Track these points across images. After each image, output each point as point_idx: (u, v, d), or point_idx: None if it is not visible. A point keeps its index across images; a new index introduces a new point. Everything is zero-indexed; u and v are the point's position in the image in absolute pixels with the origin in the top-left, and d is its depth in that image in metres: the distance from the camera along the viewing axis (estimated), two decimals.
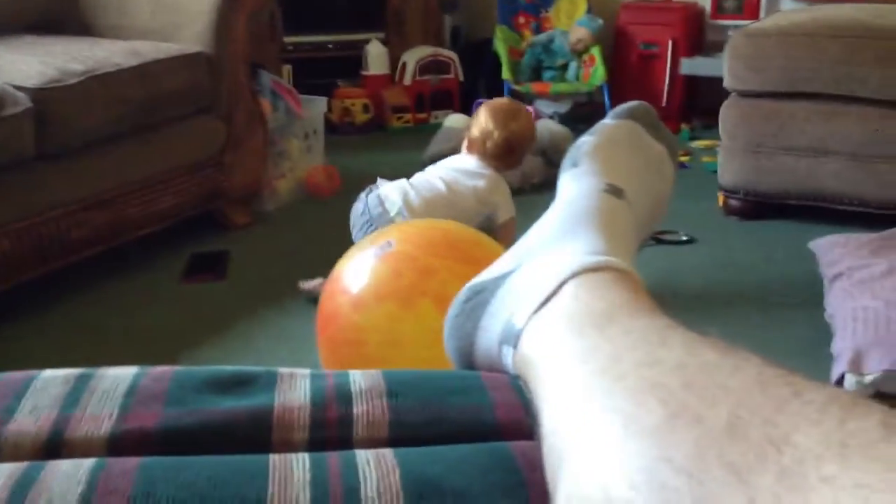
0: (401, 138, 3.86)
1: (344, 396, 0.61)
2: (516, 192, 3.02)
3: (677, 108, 3.98)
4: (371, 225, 2.12)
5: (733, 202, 2.80)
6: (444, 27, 4.37)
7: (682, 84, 3.97)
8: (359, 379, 0.64)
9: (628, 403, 0.48)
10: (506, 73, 3.87)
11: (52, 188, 2.14)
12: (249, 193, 2.80)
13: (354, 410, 0.60)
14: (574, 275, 0.65)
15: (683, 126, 3.91)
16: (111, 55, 2.32)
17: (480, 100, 3.73)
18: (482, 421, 0.60)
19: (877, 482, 0.37)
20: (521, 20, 4.13)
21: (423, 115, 4.05)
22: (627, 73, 4.03)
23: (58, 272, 2.21)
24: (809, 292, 2.18)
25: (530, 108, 3.52)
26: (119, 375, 0.63)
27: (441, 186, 2.19)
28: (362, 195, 2.22)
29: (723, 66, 2.70)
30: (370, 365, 1.50)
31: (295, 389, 0.61)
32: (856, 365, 1.67)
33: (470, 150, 2.32)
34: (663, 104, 3.97)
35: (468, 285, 0.76)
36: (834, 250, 2.18)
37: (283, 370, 0.65)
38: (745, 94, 2.68)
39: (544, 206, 2.67)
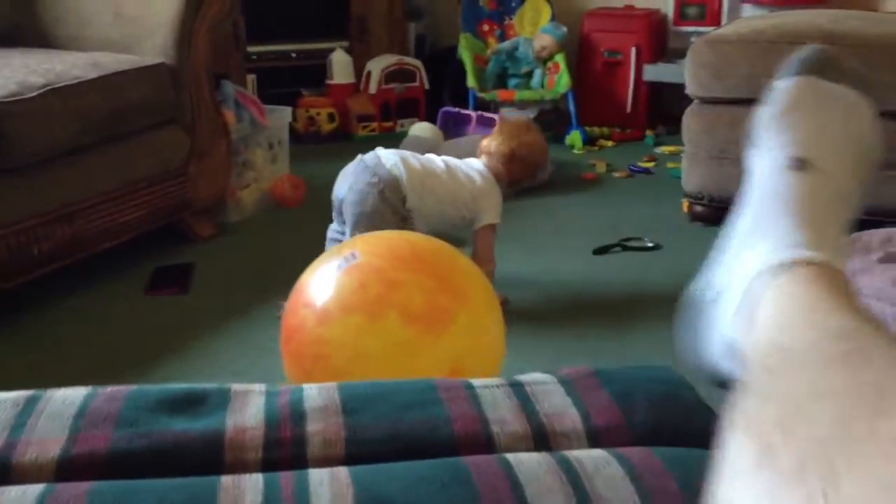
0: (367, 147, 3.79)
1: (298, 414, 0.60)
2: None
3: (642, 114, 4.01)
4: (364, 172, 2.15)
5: (698, 208, 2.81)
6: (409, 35, 4.37)
7: (646, 90, 4.00)
8: (314, 395, 0.63)
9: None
10: (471, 81, 3.87)
11: (12, 202, 2.10)
12: (214, 205, 2.78)
13: (309, 429, 0.59)
14: (764, 281, 0.61)
15: (648, 132, 3.94)
16: (71, 68, 2.29)
17: (446, 108, 3.75)
18: (439, 436, 0.60)
19: None
20: (486, 28, 4.14)
21: (388, 124, 4.04)
22: (592, 80, 4.05)
23: (20, 287, 2.18)
24: None
25: (495, 117, 3.53)
26: (69, 396, 0.62)
27: (440, 164, 2.23)
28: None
29: (685, 73, 2.71)
30: (335, 379, 1.49)
31: (249, 407, 0.60)
32: None
33: (479, 154, 2.35)
34: (628, 111, 4.00)
35: (687, 293, 0.75)
36: None
37: (238, 387, 0.64)
38: (707, 101, 2.69)
39: (512, 213, 2.69)
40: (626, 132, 3.95)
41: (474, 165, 2.30)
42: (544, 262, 2.56)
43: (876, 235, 2.19)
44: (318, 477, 0.53)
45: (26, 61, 2.32)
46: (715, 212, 2.78)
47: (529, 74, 4.01)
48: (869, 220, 2.54)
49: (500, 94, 3.86)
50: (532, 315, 2.19)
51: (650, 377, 0.75)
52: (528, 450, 0.61)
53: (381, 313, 1.45)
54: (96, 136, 2.31)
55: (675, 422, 0.69)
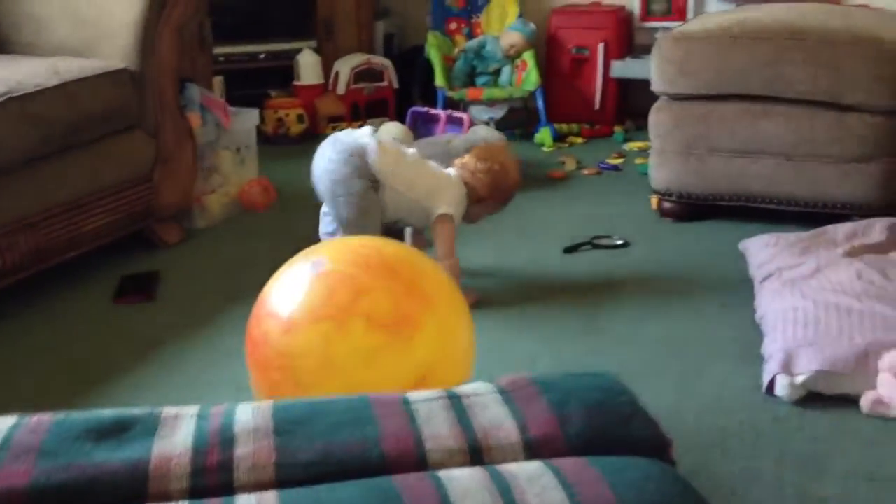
0: None
1: (227, 439, 0.59)
2: None
3: (610, 110, 4.02)
4: (335, 144, 2.20)
5: (667, 204, 2.82)
6: (377, 34, 4.35)
7: (614, 87, 4.00)
8: (247, 417, 0.62)
9: None
10: (439, 80, 3.86)
11: None
12: (180, 210, 2.75)
13: (238, 452, 0.58)
14: None
15: (617, 128, 3.94)
16: (31, 75, 2.25)
17: (415, 107, 3.73)
18: (369, 456, 0.59)
19: None
20: (453, 26, 4.13)
21: (358, 124, 4.01)
22: (560, 76, 4.05)
23: None
24: (741, 293, 2.21)
25: (463, 116, 3.53)
26: None
27: (413, 150, 2.31)
28: None
29: (651, 70, 2.72)
30: (302, 389, 1.47)
31: (177, 433, 0.59)
32: (787, 366, 1.70)
33: (455, 166, 2.37)
34: (596, 107, 4.00)
35: None
36: (764, 251, 2.21)
37: (169, 411, 0.63)
38: (673, 97, 2.70)
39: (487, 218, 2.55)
40: (595, 129, 3.95)
41: (448, 170, 2.32)
42: (514, 261, 2.55)
43: (841, 230, 2.21)
44: (246, 503, 0.52)
45: None
46: (684, 208, 2.80)
47: (498, 72, 4.01)
48: (834, 213, 2.57)
49: (468, 93, 3.85)
50: (503, 315, 2.18)
51: (588, 385, 0.75)
52: (462, 465, 0.61)
53: (347, 321, 1.44)
54: (58, 144, 2.28)
55: (612, 429, 0.69)
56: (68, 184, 2.34)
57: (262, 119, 3.74)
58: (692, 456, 1.58)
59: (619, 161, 3.52)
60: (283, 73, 4.03)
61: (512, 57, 3.96)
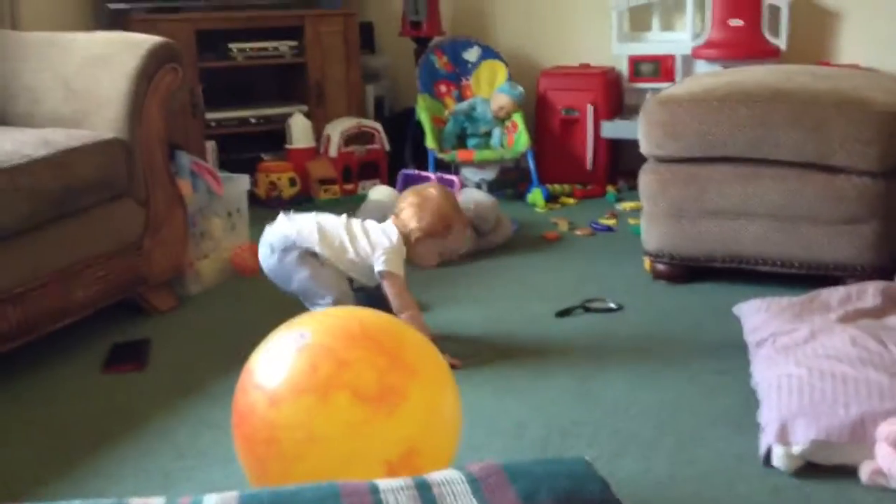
0: (328, 210, 3.81)
1: None
2: (445, 262, 3.03)
3: (602, 170, 4.03)
4: (273, 253, 2.38)
5: (660, 266, 2.81)
6: (368, 98, 4.39)
7: (606, 147, 4.02)
8: None
9: None
10: (430, 142, 3.88)
11: None
12: (171, 277, 2.74)
13: None
14: None
15: (609, 189, 3.96)
16: (21, 146, 2.26)
17: (406, 170, 3.75)
18: None
19: None
20: (443, 88, 4.16)
21: (350, 187, 4.04)
22: (551, 137, 4.07)
23: None
24: (736, 358, 2.19)
25: (454, 178, 3.54)
26: None
27: (343, 217, 2.45)
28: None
29: (638, 133, 2.73)
30: (287, 462, 1.45)
31: None
32: (783, 436, 1.67)
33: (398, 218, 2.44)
34: (588, 167, 4.02)
35: None
36: (757, 315, 2.20)
37: (135, 502, 0.61)
38: (661, 160, 2.71)
39: (473, 276, 2.69)
40: (587, 189, 3.97)
41: (387, 230, 2.40)
42: (505, 325, 2.54)
43: (835, 294, 2.20)
44: None
45: None
46: (677, 269, 2.79)
47: (488, 134, 4.03)
48: (827, 275, 2.56)
49: (459, 155, 3.87)
50: (491, 382, 2.16)
51: (559, 472, 0.74)
52: None
53: (331, 394, 1.42)
54: (48, 213, 2.27)
55: None
56: (58, 253, 2.33)
57: (255, 182, 3.75)
58: None
59: (612, 222, 3.52)
60: (274, 136, 4.06)
61: (502, 119, 3.99)
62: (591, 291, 2.73)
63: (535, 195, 3.80)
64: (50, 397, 2.18)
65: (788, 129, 2.51)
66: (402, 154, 4.18)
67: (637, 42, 4.07)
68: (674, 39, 4.01)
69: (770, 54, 3.72)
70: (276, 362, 1.49)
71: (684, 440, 1.86)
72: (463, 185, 3.59)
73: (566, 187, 3.95)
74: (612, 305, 2.63)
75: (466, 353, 2.30)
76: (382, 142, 4.11)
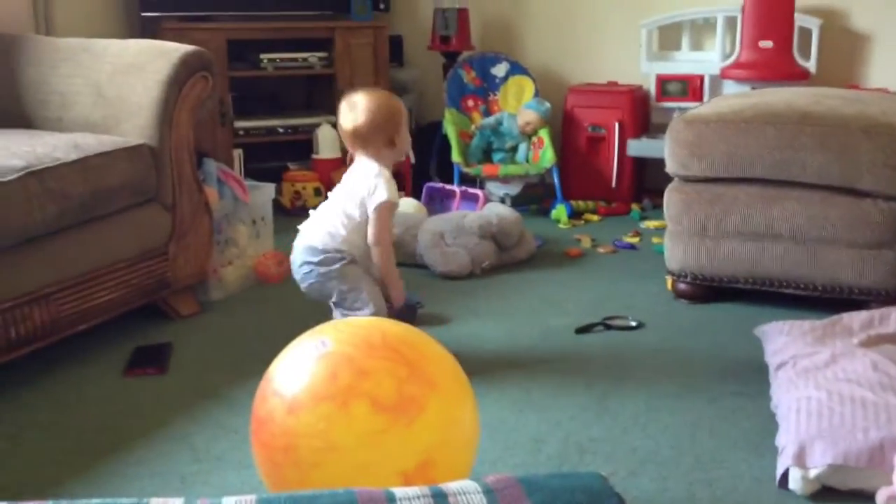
0: None
1: None
2: (467, 276, 3.04)
3: (627, 188, 4.03)
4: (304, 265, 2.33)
5: (681, 286, 2.80)
6: None
7: (630, 165, 4.02)
8: None
9: None
10: (456, 156, 3.90)
11: None
12: (195, 283, 2.76)
13: None
14: None
15: (634, 207, 3.95)
16: (52, 150, 2.29)
17: (430, 183, 3.76)
18: None
19: None
20: (470, 103, 4.18)
21: None
22: (576, 154, 4.08)
23: None
24: (757, 380, 2.18)
25: (479, 192, 3.54)
26: None
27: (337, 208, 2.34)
28: None
29: (664, 152, 2.73)
30: (304, 469, 1.46)
31: None
32: (800, 459, 1.66)
33: (350, 148, 2.38)
34: (613, 185, 4.02)
35: None
36: (778, 338, 2.19)
37: (155, 502, 0.62)
38: (686, 179, 2.70)
39: (494, 290, 2.70)
40: (611, 206, 3.97)
41: (358, 178, 2.32)
42: (525, 340, 2.54)
43: (857, 318, 2.19)
44: None
45: (7, 143, 2.32)
46: (699, 289, 2.78)
47: (514, 149, 4.04)
48: (851, 299, 2.54)
49: (485, 169, 3.88)
50: (510, 396, 2.16)
51: (574, 486, 0.74)
52: None
53: (350, 402, 1.43)
54: (75, 217, 2.30)
55: None
56: (84, 256, 2.35)
57: (280, 191, 3.78)
58: None
59: (635, 240, 3.52)
60: (301, 146, 4.09)
61: (528, 134, 4.00)
62: (613, 309, 2.73)
63: (559, 211, 3.80)
64: (71, 398, 2.20)
65: (816, 151, 2.50)
66: (427, 167, 4.19)
67: (665, 61, 4.07)
68: (702, 59, 4.01)
69: (799, 77, 3.71)
70: (296, 369, 1.50)
71: (702, 461, 1.85)
72: (487, 200, 3.60)
73: (590, 204, 3.95)
74: (633, 323, 2.62)
75: (485, 366, 2.30)
76: (408, 154, 4.12)
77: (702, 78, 3.93)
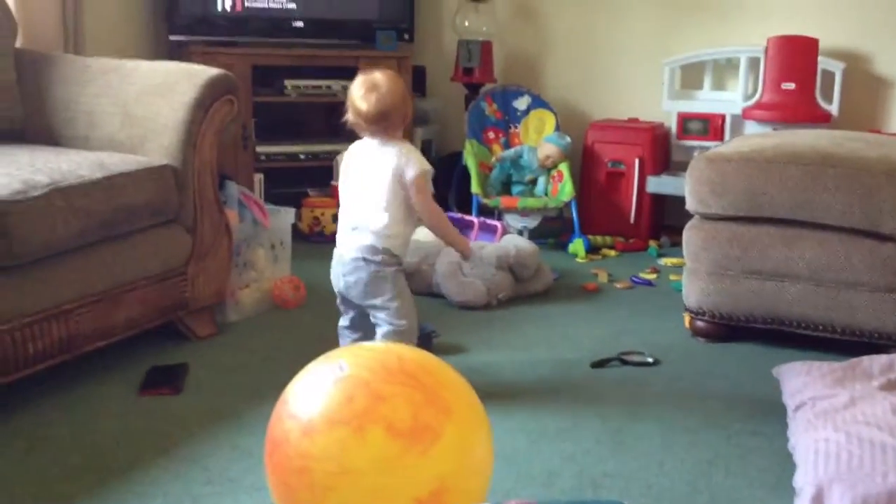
0: None
1: None
2: (483, 306, 3.04)
3: (645, 225, 4.03)
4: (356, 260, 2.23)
5: (699, 323, 2.79)
6: (416, 140, 4.43)
7: (650, 201, 4.02)
8: None
9: None
10: (475, 187, 3.91)
11: (8, 300, 2.09)
12: (213, 304, 2.77)
13: None
14: None
15: (651, 243, 3.95)
16: (77, 167, 2.31)
17: (450, 213, 3.77)
18: None
19: None
20: (491, 135, 4.20)
21: None
22: (596, 189, 4.08)
23: (12, 384, 2.15)
24: (774, 420, 2.17)
25: (497, 224, 3.55)
26: None
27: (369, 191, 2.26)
28: None
29: (685, 189, 2.73)
30: (317, 493, 1.46)
31: None
32: (818, 501, 1.64)
33: (358, 129, 2.31)
34: (631, 221, 4.02)
35: None
36: (797, 378, 2.17)
37: None
38: (706, 217, 2.70)
39: (510, 321, 2.70)
40: (629, 242, 3.96)
41: (374, 151, 2.27)
42: (540, 373, 2.53)
43: (877, 361, 2.17)
44: None
45: (33, 159, 2.34)
46: (716, 328, 2.77)
47: (533, 182, 4.05)
48: (871, 343, 2.53)
49: (503, 201, 3.89)
50: (524, 428, 2.15)
51: None
52: None
53: (366, 427, 1.43)
54: (97, 234, 2.32)
55: None
56: (104, 274, 2.36)
57: (299, 217, 3.80)
58: None
59: (652, 276, 3.51)
60: (321, 172, 4.10)
61: (548, 168, 4.01)
62: (628, 344, 2.72)
63: (577, 245, 3.80)
64: (87, 415, 2.20)
65: (837, 193, 2.50)
66: (446, 197, 4.20)
67: (687, 100, 4.08)
68: (724, 99, 4.02)
69: (821, 119, 3.71)
70: (313, 392, 1.50)
71: (718, 499, 1.83)
72: (505, 231, 3.60)
73: (608, 239, 3.95)
74: (649, 359, 2.61)
75: (500, 396, 2.29)
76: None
77: (723, 117, 3.94)
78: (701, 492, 1.86)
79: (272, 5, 4.05)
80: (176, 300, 2.61)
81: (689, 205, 2.73)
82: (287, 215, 3.18)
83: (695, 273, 2.75)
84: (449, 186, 4.22)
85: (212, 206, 2.68)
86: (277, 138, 4.10)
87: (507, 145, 4.18)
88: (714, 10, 4.09)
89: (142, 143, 2.60)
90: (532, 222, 3.91)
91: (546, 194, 4.00)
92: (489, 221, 3.63)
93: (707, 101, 4.06)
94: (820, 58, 3.75)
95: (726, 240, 2.66)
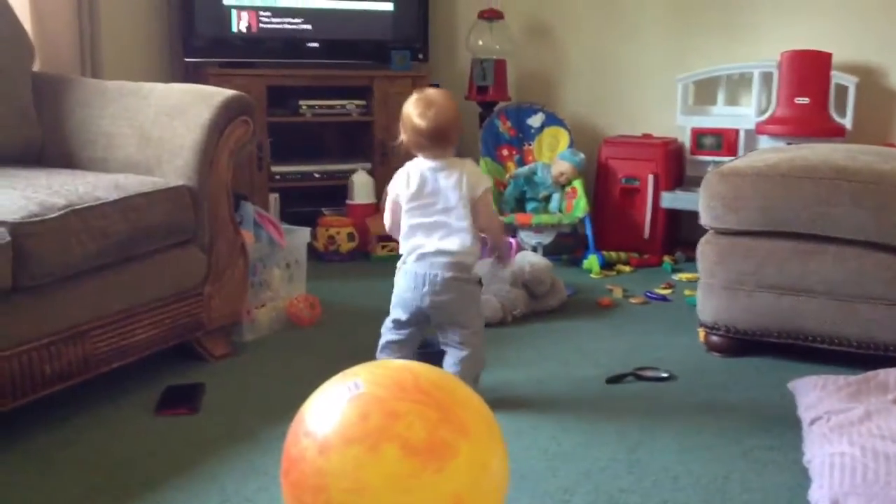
0: (384, 267, 3.84)
1: None
2: (498, 323, 3.04)
3: (660, 240, 4.03)
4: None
5: (714, 338, 2.79)
6: None
7: (664, 217, 4.02)
8: None
9: None
10: None
11: (26, 321, 2.12)
12: (228, 324, 2.79)
13: None
14: None
15: (666, 259, 3.94)
16: (93, 189, 2.34)
17: None
18: None
19: None
20: (505, 152, 4.21)
21: None
22: (610, 205, 4.09)
23: (27, 405, 2.17)
24: (789, 434, 2.16)
25: (511, 241, 3.56)
26: None
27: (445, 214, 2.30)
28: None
29: (699, 204, 2.73)
30: None
31: None
32: None
33: (416, 149, 2.34)
34: (646, 237, 4.02)
35: None
36: (812, 392, 2.17)
37: None
38: (721, 232, 2.70)
39: (525, 338, 2.70)
40: (643, 258, 3.96)
41: (436, 168, 2.31)
42: (555, 389, 2.53)
43: (892, 375, 2.17)
44: None
45: (50, 182, 2.37)
46: (732, 342, 2.76)
47: (547, 199, 4.06)
48: (886, 356, 2.52)
49: (518, 218, 3.90)
50: (541, 444, 2.15)
51: None
52: None
53: (381, 445, 1.43)
54: (114, 255, 2.33)
55: None
56: (121, 294, 2.39)
57: (314, 236, 3.82)
58: None
59: (667, 292, 3.51)
60: (336, 192, 4.13)
61: (562, 184, 4.02)
62: (643, 360, 2.72)
63: (591, 261, 3.80)
64: (102, 435, 2.22)
65: (852, 207, 2.49)
66: None
67: (701, 115, 4.09)
68: (738, 114, 4.02)
69: (835, 133, 3.71)
70: (328, 410, 1.51)
71: None
72: (520, 248, 3.61)
73: (622, 255, 3.95)
74: (664, 375, 2.60)
75: (515, 413, 2.30)
76: None
77: (737, 132, 3.94)
78: None
79: (287, 26, 4.09)
80: (192, 320, 2.62)
81: (704, 220, 2.73)
82: (302, 234, 3.20)
83: (709, 288, 2.74)
84: None
85: (227, 226, 2.70)
86: (292, 158, 4.13)
87: (521, 162, 4.20)
88: (727, 26, 4.09)
89: (158, 165, 2.62)
90: (546, 239, 3.92)
91: (560, 211, 4.01)
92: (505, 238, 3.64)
93: (721, 116, 4.06)
94: (833, 72, 3.76)
95: (741, 255, 2.66)
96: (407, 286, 2.30)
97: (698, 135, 4.03)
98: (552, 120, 4.24)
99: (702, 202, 2.71)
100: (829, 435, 1.91)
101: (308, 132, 4.30)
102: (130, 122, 2.70)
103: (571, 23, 4.45)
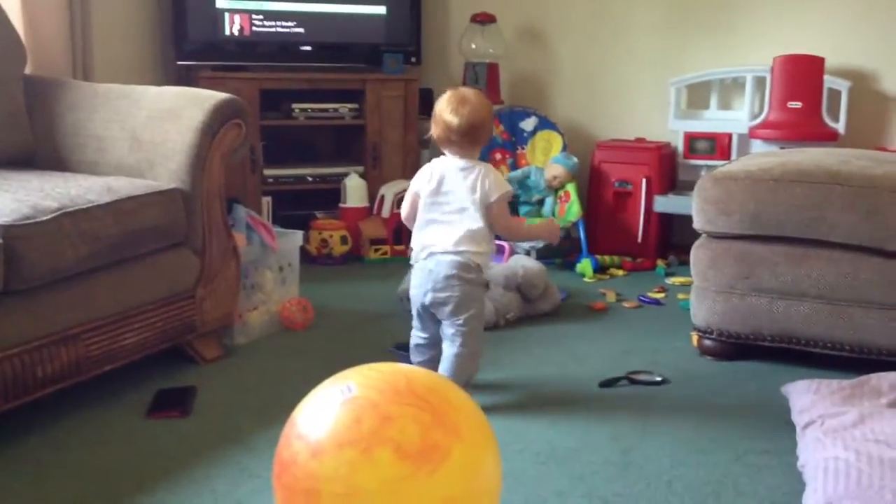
0: (377, 270, 3.87)
1: None
2: (491, 327, 3.04)
3: (653, 244, 4.03)
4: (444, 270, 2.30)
5: (707, 342, 2.79)
6: (423, 161, 4.43)
7: (657, 221, 4.03)
8: None
9: None
10: None
11: (17, 324, 2.11)
12: (220, 327, 2.78)
13: None
14: None
15: (659, 263, 3.95)
16: (85, 192, 2.33)
17: None
18: None
19: None
20: (498, 156, 4.21)
21: (401, 248, 4.07)
22: (603, 209, 4.09)
23: (19, 408, 2.16)
24: (783, 438, 2.16)
25: (504, 244, 3.55)
26: None
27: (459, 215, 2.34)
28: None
29: (692, 208, 2.73)
30: None
31: None
32: None
33: (444, 145, 2.37)
34: (639, 240, 4.02)
35: None
36: (805, 396, 2.17)
37: None
38: (714, 236, 2.70)
39: (518, 342, 2.70)
40: (636, 262, 3.96)
41: (460, 167, 2.34)
42: (548, 393, 2.52)
43: (885, 379, 2.17)
44: None
45: (42, 184, 2.36)
46: (724, 346, 2.76)
47: (541, 202, 4.06)
48: (880, 360, 2.52)
49: None
50: (534, 448, 2.15)
51: None
52: None
53: (374, 448, 1.43)
54: (106, 258, 2.33)
55: None
56: (113, 298, 2.38)
57: (307, 239, 3.81)
58: None
59: (660, 295, 3.51)
60: (329, 195, 4.12)
61: (555, 188, 4.02)
62: (637, 364, 2.72)
63: (584, 265, 3.80)
64: (93, 439, 2.21)
65: (844, 211, 2.50)
66: None
67: (694, 119, 4.10)
68: (731, 118, 4.03)
69: (828, 137, 3.72)
70: (321, 414, 1.50)
71: None
72: (513, 252, 3.60)
73: (615, 259, 3.95)
74: (658, 378, 2.60)
75: (508, 417, 2.29)
76: None
77: (730, 136, 3.95)
78: None
79: (279, 30, 4.08)
80: (184, 323, 2.61)
81: (697, 224, 2.73)
82: (295, 238, 3.19)
83: (702, 292, 2.75)
84: None
85: (220, 229, 2.69)
86: (285, 161, 4.13)
87: (514, 166, 4.20)
88: (720, 30, 4.10)
89: (150, 168, 2.61)
90: (539, 242, 3.92)
91: (553, 214, 4.01)
92: (497, 242, 3.63)
93: (713, 120, 4.07)
94: (826, 76, 3.77)
95: (734, 259, 2.66)
96: (415, 283, 2.37)
97: (691, 139, 4.03)
98: (545, 124, 4.24)
99: (695, 206, 2.72)
100: (822, 439, 1.91)
101: (301, 135, 4.29)
102: (122, 125, 2.70)
103: (564, 26, 4.45)
